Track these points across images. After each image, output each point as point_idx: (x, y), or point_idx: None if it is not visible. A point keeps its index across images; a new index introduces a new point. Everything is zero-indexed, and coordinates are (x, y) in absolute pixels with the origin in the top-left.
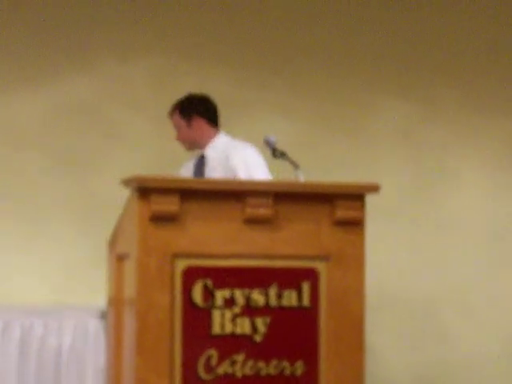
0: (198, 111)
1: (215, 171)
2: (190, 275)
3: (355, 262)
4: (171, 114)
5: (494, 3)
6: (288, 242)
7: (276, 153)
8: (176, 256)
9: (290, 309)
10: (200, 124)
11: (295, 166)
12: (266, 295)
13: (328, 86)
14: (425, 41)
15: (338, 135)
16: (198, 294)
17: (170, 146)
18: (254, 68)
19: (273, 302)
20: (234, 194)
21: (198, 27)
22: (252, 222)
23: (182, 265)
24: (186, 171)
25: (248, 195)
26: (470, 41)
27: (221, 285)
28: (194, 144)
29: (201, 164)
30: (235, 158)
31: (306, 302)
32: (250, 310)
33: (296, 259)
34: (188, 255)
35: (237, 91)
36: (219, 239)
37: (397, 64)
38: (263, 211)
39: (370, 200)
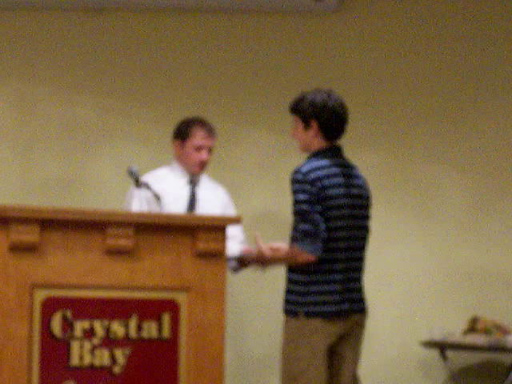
0: None
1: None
2: (49, 306)
3: (216, 294)
4: None
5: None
6: (148, 274)
7: (139, 183)
8: (35, 286)
9: (150, 340)
10: None
11: (157, 197)
12: (126, 326)
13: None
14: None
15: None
16: (56, 325)
17: (32, 176)
18: (117, 96)
19: (133, 333)
20: (94, 225)
21: (63, 55)
22: (112, 252)
23: (41, 295)
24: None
25: (109, 226)
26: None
27: (80, 316)
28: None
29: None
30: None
31: (166, 333)
32: (109, 342)
33: (156, 290)
34: (47, 286)
35: (100, 119)
36: (79, 270)
37: (262, 97)
38: (124, 242)
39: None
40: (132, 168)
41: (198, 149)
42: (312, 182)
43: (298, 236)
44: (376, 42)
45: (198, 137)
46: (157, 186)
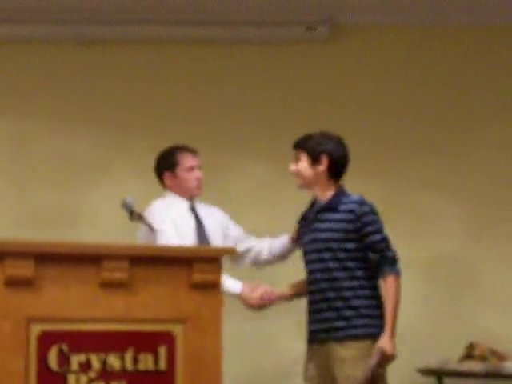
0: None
1: None
2: (46, 340)
3: (212, 325)
4: None
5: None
6: (144, 306)
7: (133, 215)
8: (31, 320)
9: (147, 373)
10: None
11: (151, 228)
12: (123, 359)
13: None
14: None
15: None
16: (53, 359)
17: (27, 208)
18: (113, 129)
19: (129, 366)
20: (89, 258)
21: (58, 89)
22: (108, 285)
23: (37, 329)
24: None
25: (104, 259)
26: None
27: (76, 349)
28: None
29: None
30: None
31: (162, 365)
32: (105, 375)
33: (152, 323)
34: (43, 320)
35: (95, 152)
36: (75, 303)
37: (254, 127)
38: (119, 275)
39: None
40: (126, 200)
41: (191, 169)
42: (378, 213)
43: (389, 262)
44: (368, 71)
45: (186, 159)
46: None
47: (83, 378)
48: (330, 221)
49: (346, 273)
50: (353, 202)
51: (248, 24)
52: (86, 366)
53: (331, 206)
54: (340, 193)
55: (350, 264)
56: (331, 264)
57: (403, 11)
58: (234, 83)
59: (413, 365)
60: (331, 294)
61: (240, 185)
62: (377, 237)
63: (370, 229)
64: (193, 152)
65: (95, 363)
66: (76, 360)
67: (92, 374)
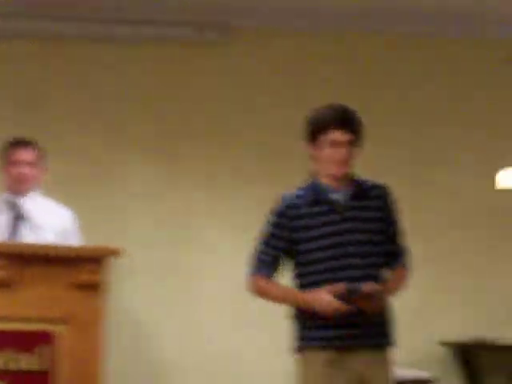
0: None
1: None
2: None
3: (94, 325)
4: None
5: None
6: (26, 305)
7: (19, 214)
8: None
9: (28, 372)
10: None
11: (37, 227)
12: (3, 358)
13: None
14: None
15: (84, 197)
16: None
17: None
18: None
19: (9, 365)
20: None
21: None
22: None
23: None
24: None
25: None
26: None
27: None
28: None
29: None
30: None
31: (44, 365)
32: None
33: (34, 322)
34: None
35: None
36: None
37: (138, 125)
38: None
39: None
40: (13, 200)
41: (14, 164)
42: None
43: (408, 254)
44: (259, 75)
45: (12, 153)
46: None
47: None
48: (368, 209)
49: (378, 270)
50: (379, 186)
51: (138, 22)
52: None
53: (363, 192)
54: (356, 176)
55: (381, 260)
56: (375, 259)
57: (297, 16)
58: (126, 82)
59: None
60: None
61: (130, 182)
62: (400, 226)
63: (396, 217)
64: (20, 146)
65: None
66: None
67: None
